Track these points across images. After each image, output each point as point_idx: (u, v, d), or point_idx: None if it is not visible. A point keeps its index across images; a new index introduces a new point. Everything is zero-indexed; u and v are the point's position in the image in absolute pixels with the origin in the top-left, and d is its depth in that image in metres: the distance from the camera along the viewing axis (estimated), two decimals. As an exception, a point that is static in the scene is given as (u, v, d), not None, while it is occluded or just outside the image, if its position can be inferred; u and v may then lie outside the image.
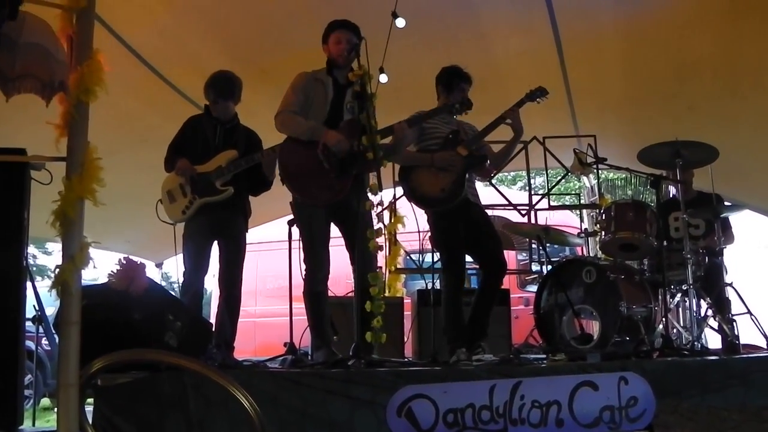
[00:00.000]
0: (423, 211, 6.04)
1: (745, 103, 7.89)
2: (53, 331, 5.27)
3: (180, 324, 4.79)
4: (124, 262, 4.58)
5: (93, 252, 3.72)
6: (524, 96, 6.17)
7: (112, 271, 4.54)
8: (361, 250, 5.25)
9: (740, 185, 9.26)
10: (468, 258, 6.05)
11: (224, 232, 6.02)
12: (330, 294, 5.85)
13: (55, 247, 17.81)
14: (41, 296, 5.49)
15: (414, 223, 6.08)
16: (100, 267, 4.82)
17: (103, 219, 4.13)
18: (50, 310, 6.15)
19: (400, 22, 6.89)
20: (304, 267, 5.57)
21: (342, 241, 5.68)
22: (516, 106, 6.06)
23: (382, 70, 7.07)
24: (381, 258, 6.15)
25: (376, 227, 5.22)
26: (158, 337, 4.61)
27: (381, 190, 5.23)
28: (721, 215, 7.03)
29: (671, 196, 7.73)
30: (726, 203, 7.66)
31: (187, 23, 6.90)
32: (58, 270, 3.60)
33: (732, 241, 7.58)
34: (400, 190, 7.50)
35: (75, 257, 3.57)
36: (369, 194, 5.21)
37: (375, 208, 5.25)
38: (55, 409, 3.73)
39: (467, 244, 5.91)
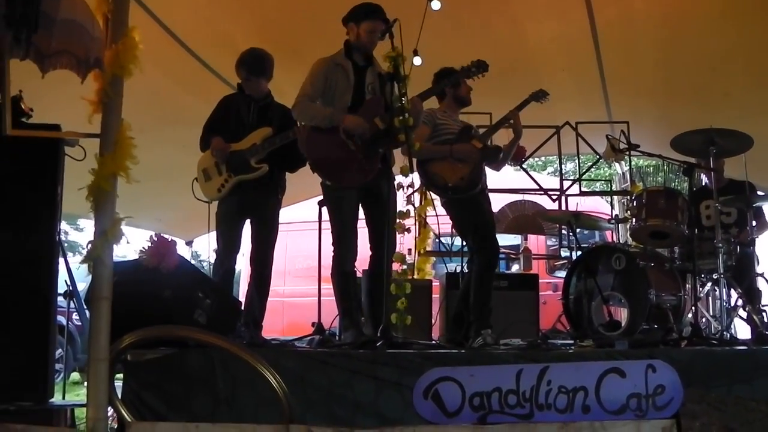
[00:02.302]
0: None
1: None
2: (84, 307, 5.33)
3: (209, 302, 4.83)
4: (156, 239, 4.61)
5: (125, 228, 3.75)
6: (528, 97, 6.33)
7: (143, 248, 4.58)
8: (390, 234, 5.26)
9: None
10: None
11: (257, 211, 6.05)
12: (359, 275, 5.87)
13: (87, 224, 17.97)
14: (73, 272, 5.56)
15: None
16: (132, 244, 4.86)
17: (134, 196, 4.14)
18: (81, 286, 6.22)
19: (436, 5, 6.86)
20: (332, 248, 5.59)
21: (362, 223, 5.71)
22: (517, 108, 6.16)
23: (416, 53, 7.05)
24: (410, 240, 6.18)
25: (405, 209, 5.24)
26: (187, 314, 4.66)
27: (412, 172, 5.24)
28: (754, 204, 6.96)
29: (703, 184, 7.66)
30: (759, 192, 7.58)
31: (219, 2, 6.91)
32: (90, 245, 3.63)
33: (765, 230, 7.51)
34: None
35: (107, 232, 3.60)
36: (400, 176, 5.22)
37: (405, 190, 5.27)
38: (85, 383, 3.78)
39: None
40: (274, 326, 8.89)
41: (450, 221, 6.21)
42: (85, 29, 3.79)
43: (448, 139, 6.02)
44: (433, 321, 6.89)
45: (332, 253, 5.59)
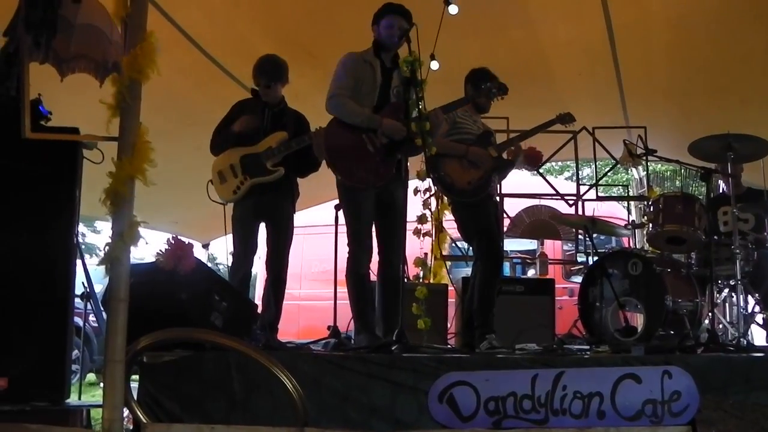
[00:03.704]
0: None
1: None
2: (101, 308, 5.36)
3: (225, 304, 4.84)
4: (173, 241, 4.63)
5: (142, 231, 3.77)
6: (554, 117, 6.41)
7: (160, 251, 4.60)
8: (400, 242, 5.28)
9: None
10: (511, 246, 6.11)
11: (272, 215, 6.08)
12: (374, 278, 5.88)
13: (105, 226, 18.04)
14: (90, 273, 5.58)
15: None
16: (149, 246, 4.89)
17: (151, 199, 4.17)
18: (98, 288, 6.25)
19: (453, 9, 6.86)
20: (347, 250, 5.60)
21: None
22: (540, 127, 6.26)
23: (433, 57, 7.06)
24: (427, 244, 6.19)
25: (421, 213, 5.25)
26: (204, 316, 4.67)
27: (429, 176, 5.26)
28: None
29: (720, 191, 7.63)
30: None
31: (236, 6, 6.94)
32: (107, 247, 3.65)
33: None
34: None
35: (125, 235, 3.61)
36: (416, 180, 5.23)
37: (422, 194, 5.28)
38: (101, 384, 3.80)
39: None
40: (290, 329, 8.90)
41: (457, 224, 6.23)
42: (104, 33, 3.82)
43: (467, 140, 6.03)
44: (449, 325, 6.89)
45: (347, 254, 5.60)
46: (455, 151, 5.93)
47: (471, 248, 6.41)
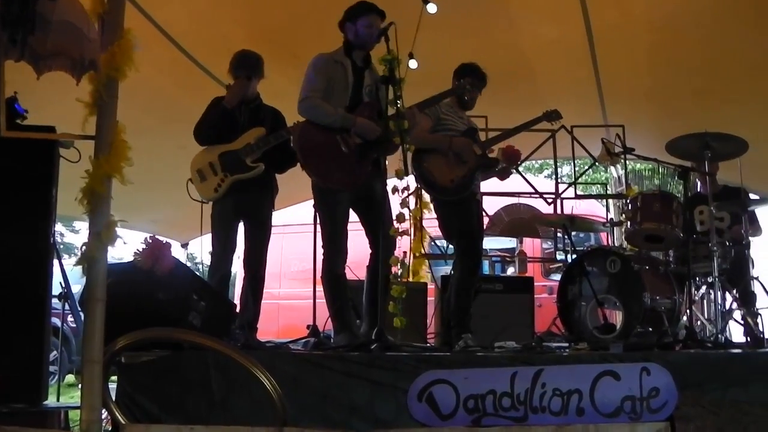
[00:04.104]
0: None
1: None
2: (79, 308, 5.33)
3: (204, 304, 4.83)
4: (150, 241, 4.61)
5: (120, 231, 3.75)
6: (540, 115, 6.48)
7: (137, 250, 4.58)
8: (385, 236, 5.27)
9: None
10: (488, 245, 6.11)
11: (251, 213, 6.06)
12: (353, 278, 5.87)
13: (83, 226, 17.90)
14: (67, 273, 5.55)
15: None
16: (128, 245, 4.87)
17: (129, 198, 4.16)
18: (76, 288, 6.22)
19: (432, 8, 6.87)
20: (322, 251, 5.59)
21: (359, 225, 5.71)
22: (526, 125, 6.24)
23: (411, 56, 7.06)
24: (406, 243, 6.19)
25: (400, 212, 5.23)
26: (182, 316, 4.65)
27: (408, 175, 5.25)
28: (749, 208, 6.95)
29: (698, 190, 7.67)
30: (754, 197, 7.59)
31: (217, 5, 6.92)
32: (84, 247, 3.63)
33: (760, 233, 7.51)
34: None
35: (102, 234, 3.59)
36: (395, 179, 5.22)
37: (401, 193, 5.27)
38: (79, 385, 3.77)
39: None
40: (270, 328, 8.89)
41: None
42: (81, 31, 3.78)
43: (451, 136, 6.00)
44: (428, 324, 6.89)
45: (322, 256, 5.58)
46: (438, 144, 5.91)
47: (451, 247, 6.41)
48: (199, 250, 8.00)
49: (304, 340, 5.94)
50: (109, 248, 3.67)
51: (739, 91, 7.90)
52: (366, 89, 5.60)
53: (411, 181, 5.58)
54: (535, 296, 7.39)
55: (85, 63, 3.78)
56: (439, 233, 6.48)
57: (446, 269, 7.20)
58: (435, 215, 6.09)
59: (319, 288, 6.03)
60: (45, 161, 4.56)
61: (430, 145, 5.89)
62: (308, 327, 6.17)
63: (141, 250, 4.57)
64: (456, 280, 5.93)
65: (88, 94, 3.72)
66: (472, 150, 5.96)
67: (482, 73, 6.22)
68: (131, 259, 4.63)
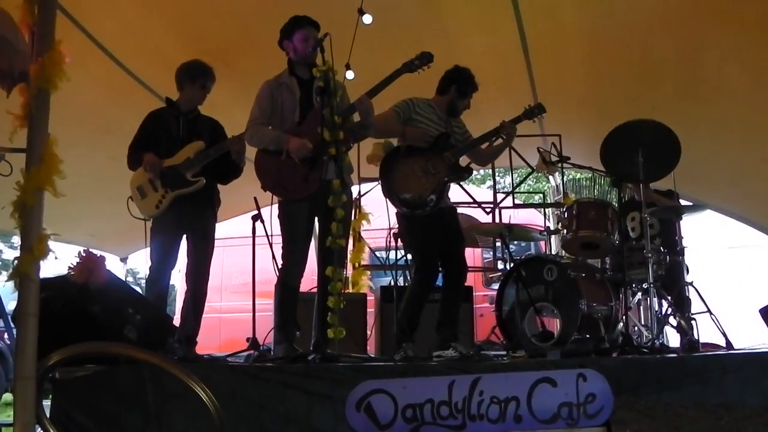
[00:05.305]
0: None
1: (706, 106, 7.97)
2: (12, 325, 5.25)
3: (139, 317, 4.79)
4: (84, 254, 4.56)
5: (56, 245, 3.71)
6: (521, 114, 6.44)
7: (71, 264, 4.53)
8: (324, 246, 5.27)
9: (702, 186, 9.35)
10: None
11: (193, 226, 5.99)
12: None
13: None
14: (0, 290, 5.46)
15: (380, 220, 6.10)
16: (63, 261, 4.80)
17: (66, 212, 4.11)
18: (12, 305, 6.12)
19: (367, 19, 6.89)
20: (281, 261, 5.56)
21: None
22: (510, 122, 6.18)
23: (348, 67, 7.07)
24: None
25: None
26: (117, 330, 4.61)
27: (345, 188, 5.24)
28: (683, 215, 7.06)
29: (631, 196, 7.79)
30: (687, 203, 7.71)
31: (150, 15, 6.85)
32: (16, 261, 3.58)
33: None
34: (365, 187, 7.56)
35: (34, 248, 3.55)
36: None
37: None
38: (14, 403, 3.71)
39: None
40: (212, 342, 8.84)
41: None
42: (9, 42, 3.74)
43: (420, 149, 5.95)
44: (368, 334, 6.89)
45: (280, 266, 5.57)
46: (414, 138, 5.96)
47: (391, 257, 6.42)
48: (141, 264, 7.92)
49: (245, 354, 5.91)
50: (42, 262, 3.63)
51: (671, 99, 8.04)
52: (316, 99, 5.55)
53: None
54: (476, 306, 7.42)
55: (14, 75, 3.75)
56: (380, 245, 6.49)
57: (387, 280, 7.22)
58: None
59: (260, 301, 6.01)
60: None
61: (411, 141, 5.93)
62: (248, 340, 6.13)
63: (74, 264, 4.52)
64: (407, 292, 5.97)
65: (19, 106, 3.67)
66: (443, 162, 5.93)
67: (472, 80, 6.27)
68: (65, 273, 4.57)
